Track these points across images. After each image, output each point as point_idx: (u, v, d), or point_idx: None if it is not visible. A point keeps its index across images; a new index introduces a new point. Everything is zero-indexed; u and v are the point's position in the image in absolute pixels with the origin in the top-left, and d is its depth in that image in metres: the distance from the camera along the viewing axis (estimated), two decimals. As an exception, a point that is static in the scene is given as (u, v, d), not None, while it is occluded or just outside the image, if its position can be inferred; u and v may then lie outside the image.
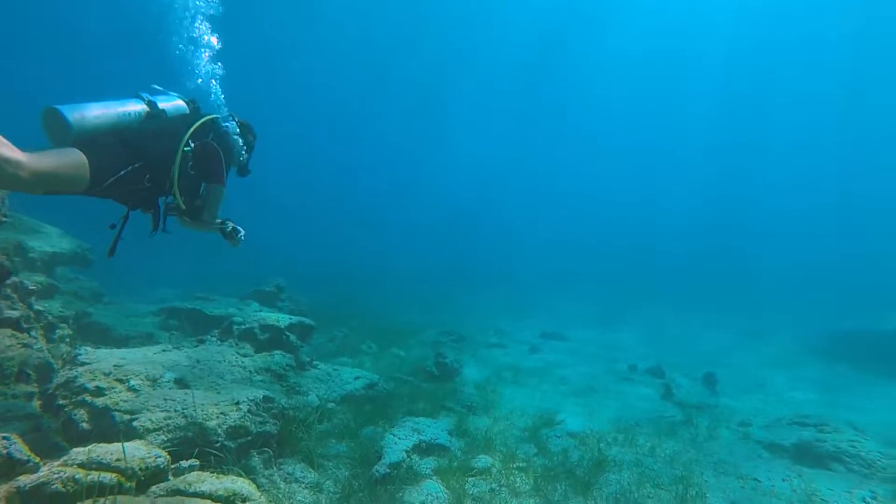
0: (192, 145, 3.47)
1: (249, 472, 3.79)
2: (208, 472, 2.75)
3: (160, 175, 3.31)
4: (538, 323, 14.28)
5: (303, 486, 3.89)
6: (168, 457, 2.68)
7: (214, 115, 3.78)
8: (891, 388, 9.40)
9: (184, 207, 3.51)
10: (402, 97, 48.68)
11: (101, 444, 2.44)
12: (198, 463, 2.92)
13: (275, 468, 3.99)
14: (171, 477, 2.71)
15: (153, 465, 2.50)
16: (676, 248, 42.49)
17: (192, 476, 2.64)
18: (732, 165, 52.09)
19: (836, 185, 48.05)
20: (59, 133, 2.94)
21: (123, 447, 2.35)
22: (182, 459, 3.39)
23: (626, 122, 51.48)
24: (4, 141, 2.42)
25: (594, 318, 16.37)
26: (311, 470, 4.14)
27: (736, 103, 46.43)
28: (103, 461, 2.27)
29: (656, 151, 54.42)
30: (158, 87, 3.62)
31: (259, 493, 2.84)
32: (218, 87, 4.29)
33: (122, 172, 3.01)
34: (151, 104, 3.35)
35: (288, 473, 4.02)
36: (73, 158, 2.72)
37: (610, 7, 39.39)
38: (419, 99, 49.04)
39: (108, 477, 2.17)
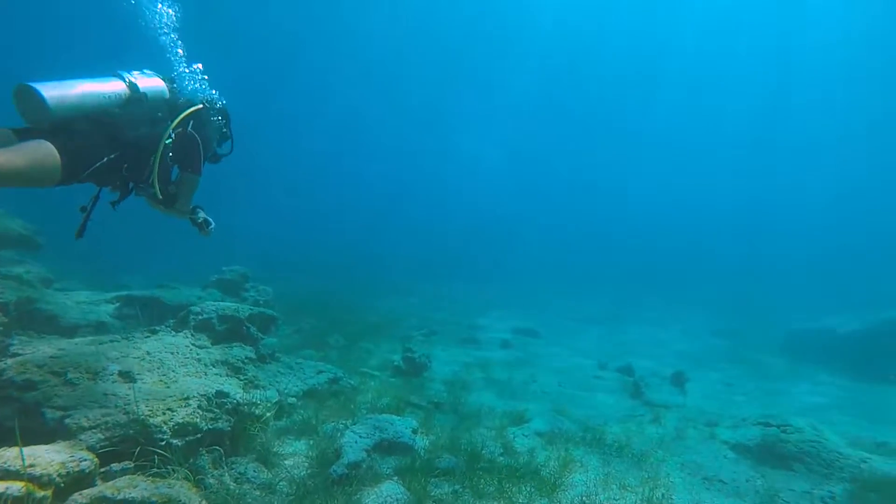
0: (173, 135, 3.41)
1: (197, 473, 3.55)
2: (142, 476, 2.52)
3: (138, 164, 3.23)
4: (512, 318, 14.23)
5: (254, 486, 3.67)
6: (96, 460, 2.43)
7: (198, 106, 3.67)
8: (851, 387, 9.65)
9: (161, 197, 3.45)
10: (399, 92, 48.34)
11: (10, 449, 2.18)
12: (132, 465, 2.67)
13: (225, 468, 3.76)
14: (99, 482, 2.46)
15: (76, 469, 2.26)
16: (651, 248, 43.11)
17: (123, 481, 2.40)
18: (711, 167, 53.17)
19: (816, 185, 49.45)
20: (35, 113, 2.76)
21: (21, 452, 2.10)
22: (124, 460, 3.15)
23: (614, 122, 52.01)
24: None
25: (567, 315, 16.42)
26: (264, 469, 3.92)
27: (723, 104, 47.39)
28: (11, 468, 2.02)
29: (640, 153, 55.16)
30: (136, 73, 3.45)
31: (200, 498, 2.63)
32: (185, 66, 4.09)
33: (98, 164, 2.87)
34: (133, 86, 3.25)
35: (239, 473, 3.78)
36: (43, 154, 2.53)
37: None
38: (414, 94, 48.76)
39: (14, 487, 1.93)
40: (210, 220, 3.90)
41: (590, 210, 56.03)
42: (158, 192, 3.39)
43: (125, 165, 3.12)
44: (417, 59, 44.22)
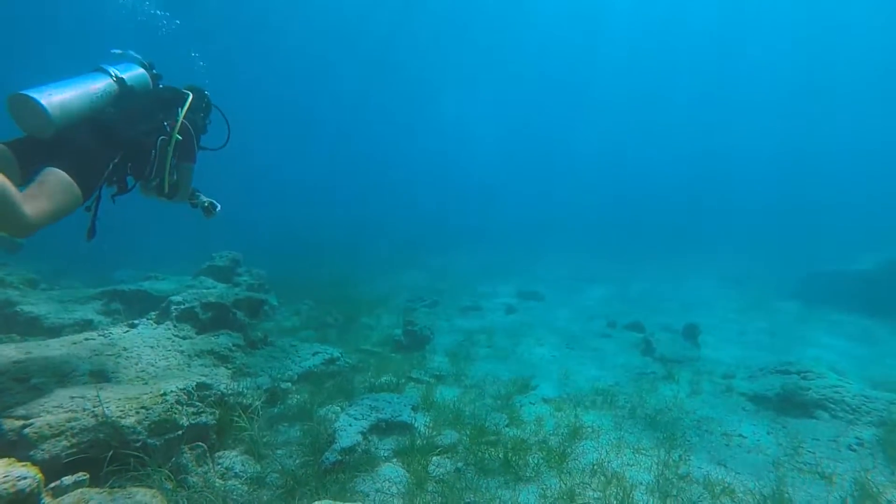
0: (169, 128, 3.47)
1: (180, 471, 3.33)
2: (96, 489, 2.26)
3: (141, 161, 3.29)
4: (516, 283, 13.95)
5: (242, 481, 3.44)
6: (40, 476, 2.16)
7: (191, 97, 3.73)
8: (870, 327, 9.34)
9: (167, 191, 3.55)
10: (392, 65, 47.02)
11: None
12: (86, 477, 2.42)
13: (210, 464, 3.53)
14: (47, 499, 2.20)
15: (11, 491, 1.99)
16: (652, 201, 42.51)
17: (72, 496, 2.14)
18: (709, 114, 51.89)
19: (809, 131, 48.32)
20: (35, 123, 2.69)
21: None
22: (96, 466, 2.92)
23: (602, 78, 50.52)
24: (14, 198, 2.27)
25: (572, 275, 16.13)
26: (254, 462, 3.70)
27: (715, 58, 45.92)
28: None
29: (630, 105, 53.66)
30: (117, 51, 3.55)
31: (166, 506, 2.37)
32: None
33: (106, 172, 2.96)
34: (120, 81, 3.27)
35: (226, 468, 3.56)
36: (61, 187, 2.59)
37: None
38: (408, 67, 47.50)
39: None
40: (215, 202, 4.01)
41: (590, 172, 55.22)
42: (167, 186, 3.49)
43: (129, 165, 3.19)
44: (409, 33, 42.84)
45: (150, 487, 2.66)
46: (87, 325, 6.25)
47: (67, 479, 2.35)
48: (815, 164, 47.37)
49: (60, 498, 2.14)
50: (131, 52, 3.61)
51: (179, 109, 3.61)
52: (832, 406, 5.06)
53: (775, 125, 49.83)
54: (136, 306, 6.87)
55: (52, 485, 2.32)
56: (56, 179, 2.58)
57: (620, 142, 55.82)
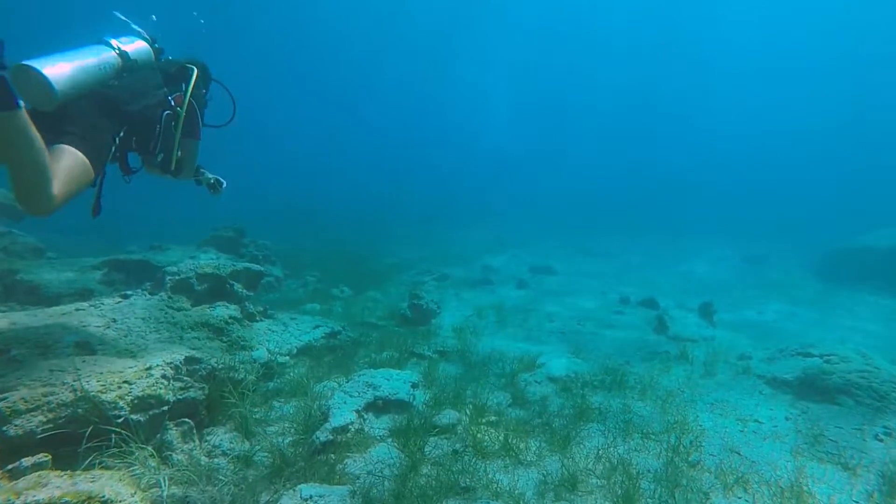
0: (173, 103, 3.46)
1: (164, 448, 3.20)
2: (57, 471, 2.11)
3: (146, 136, 3.30)
4: (527, 258, 13.66)
5: (229, 459, 3.31)
6: (-7, 457, 2.02)
7: (196, 72, 3.67)
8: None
9: (173, 168, 3.54)
10: (400, 35, 45.90)
11: None
12: (47, 459, 2.28)
13: (196, 441, 3.39)
14: (3, 482, 2.06)
15: (-45, 474, 1.85)
16: (673, 176, 41.40)
17: (28, 481, 2.00)
18: (730, 91, 49.94)
19: (836, 105, 46.27)
20: (38, 95, 2.58)
21: None
22: (76, 442, 2.80)
23: (618, 48, 48.71)
24: (51, 178, 2.35)
25: (586, 250, 15.76)
26: (243, 439, 3.56)
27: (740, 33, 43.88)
28: None
29: (647, 76, 51.73)
30: (121, 16, 3.49)
31: (133, 491, 2.23)
32: None
33: (114, 147, 2.96)
34: (123, 54, 3.20)
35: (214, 446, 3.44)
36: (77, 165, 2.60)
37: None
38: (414, 37, 46.35)
39: None
40: (221, 178, 3.99)
41: (605, 146, 53.86)
42: (174, 162, 3.48)
43: (134, 139, 3.18)
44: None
45: (122, 468, 2.52)
46: (86, 295, 6.16)
47: (26, 461, 2.20)
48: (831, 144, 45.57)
49: (11, 484, 1.98)
50: (134, 26, 3.53)
51: (184, 84, 3.55)
52: (858, 392, 4.76)
53: (800, 101, 47.88)
54: (137, 276, 6.78)
55: (10, 466, 2.18)
56: (71, 157, 2.56)
57: (640, 117, 54.12)
